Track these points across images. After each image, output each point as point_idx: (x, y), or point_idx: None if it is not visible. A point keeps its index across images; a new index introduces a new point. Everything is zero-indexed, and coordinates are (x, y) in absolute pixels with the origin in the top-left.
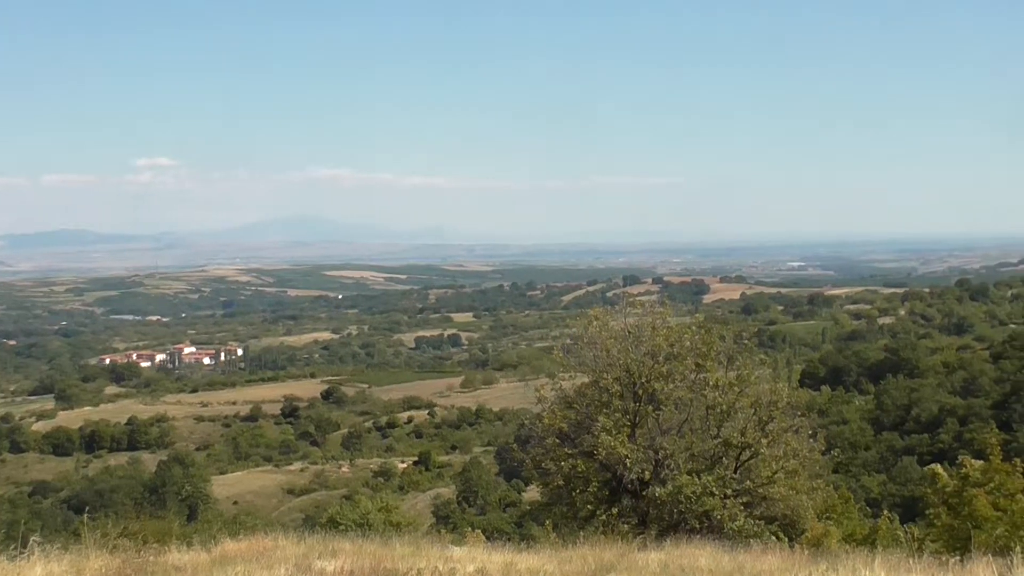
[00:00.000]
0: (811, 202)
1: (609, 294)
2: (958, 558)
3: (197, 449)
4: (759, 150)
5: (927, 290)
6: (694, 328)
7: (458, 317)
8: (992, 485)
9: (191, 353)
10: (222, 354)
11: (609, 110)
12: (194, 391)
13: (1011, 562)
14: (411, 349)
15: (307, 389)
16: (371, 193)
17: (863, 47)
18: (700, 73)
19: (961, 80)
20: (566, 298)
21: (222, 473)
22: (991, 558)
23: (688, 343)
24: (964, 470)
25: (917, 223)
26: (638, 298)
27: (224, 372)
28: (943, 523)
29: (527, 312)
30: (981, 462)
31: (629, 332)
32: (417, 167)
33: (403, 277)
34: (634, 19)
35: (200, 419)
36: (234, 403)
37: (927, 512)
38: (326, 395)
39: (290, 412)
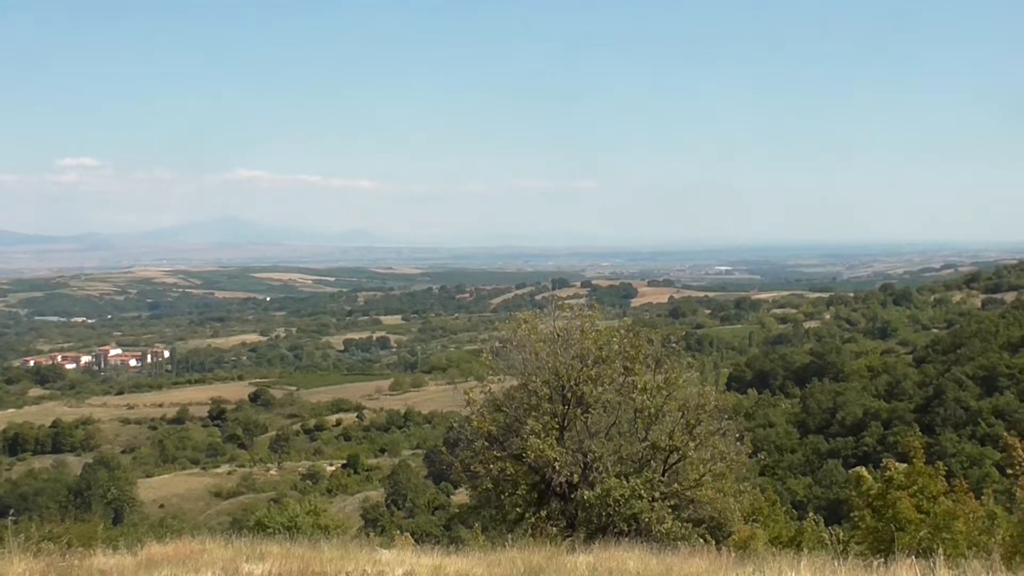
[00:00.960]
0: (738, 209)
1: (538, 297)
2: (882, 560)
3: (123, 452)
4: (685, 155)
5: (852, 295)
6: (622, 331)
7: (387, 320)
8: (915, 488)
9: (117, 355)
10: (149, 356)
11: (536, 112)
12: (120, 393)
13: (934, 564)
14: (340, 352)
15: (234, 392)
16: (297, 195)
17: (803, 45)
18: (625, 74)
19: (883, 82)
20: (495, 301)
21: (148, 476)
22: (914, 560)
23: (616, 346)
24: (888, 473)
25: (844, 230)
26: (567, 301)
27: (151, 374)
28: (867, 525)
29: (456, 315)
30: (905, 465)
31: (558, 335)
32: (342, 170)
33: (331, 279)
34: (559, 15)
35: (126, 422)
36: (161, 405)
37: (852, 515)
38: (254, 398)
39: (217, 415)
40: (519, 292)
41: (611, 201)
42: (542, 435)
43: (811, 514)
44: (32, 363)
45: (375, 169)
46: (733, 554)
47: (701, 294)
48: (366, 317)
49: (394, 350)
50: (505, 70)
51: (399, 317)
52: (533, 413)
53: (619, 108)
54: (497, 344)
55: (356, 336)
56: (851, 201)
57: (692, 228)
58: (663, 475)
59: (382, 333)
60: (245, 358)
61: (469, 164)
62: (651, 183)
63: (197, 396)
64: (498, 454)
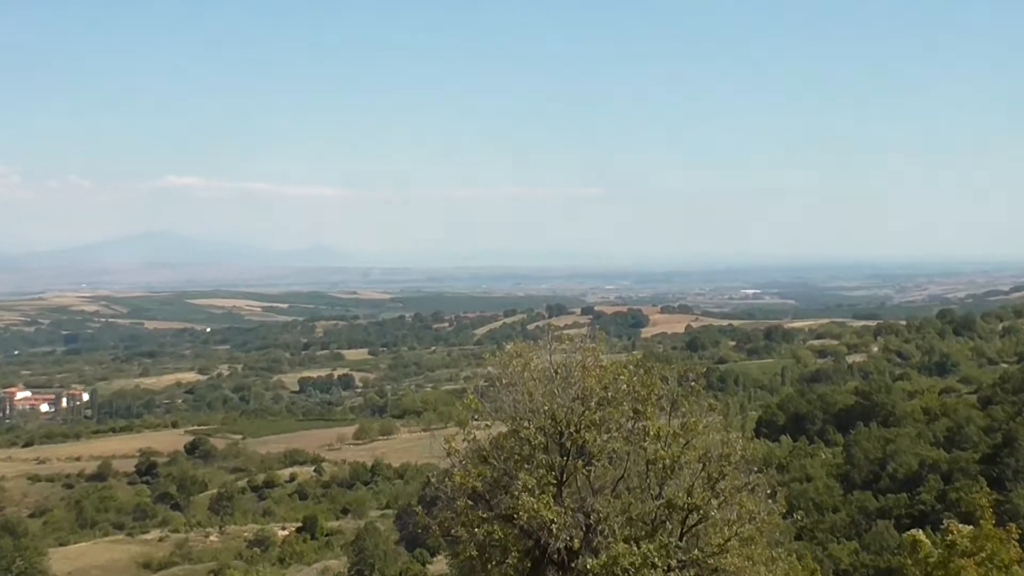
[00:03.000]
0: (767, 221)
1: (531, 327)
2: None
3: (32, 515)
4: (700, 159)
5: (903, 322)
6: (631, 367)
7: (351, 354)
8: (983, 555)
9: (25, 398)
10: (64, 400)
11: (532, 109)
12: (28, 445)
13: None
14: (294, 393)
15: (168, 441)
16: (244, 205)
17: (826, 52)
18: (636, 69)
19: (939, 85)
20: (479, 331)
21: (63, 544)
22: None
23: (624, 385)
24: (950, 536)
25: (891, 246)
26: (565, 331)
27: (66, 422)
28: None
29: (433, 348)
30: (969, 527)
31: (555, 372)
32: (299, 174)
33: (284, 306)
34: (529, 17)
35: (36, 479)
36: (78, 459)
37: None
38: (191, 448)
39: (147, 469)
40: (508, 321)
41: (619, 213)
42: (536, 492)
43: None
44: None
45: (338, 173)
46: None
47: (724, 322)
48: (326, 351)
49: (359, 390)
50: (495, 60)
51: (365, 351)
52: (526, 465)
53: (629, 106)
54: (483, 383)
55: (314, 374)
56: (901, 212)
57: (713, 244)
58: (681, 539)
59: (345, 370)
60: (180, 401)
61: (450, 168)
62: (666, 192)
63: (122, 447)
64: (484, 515)
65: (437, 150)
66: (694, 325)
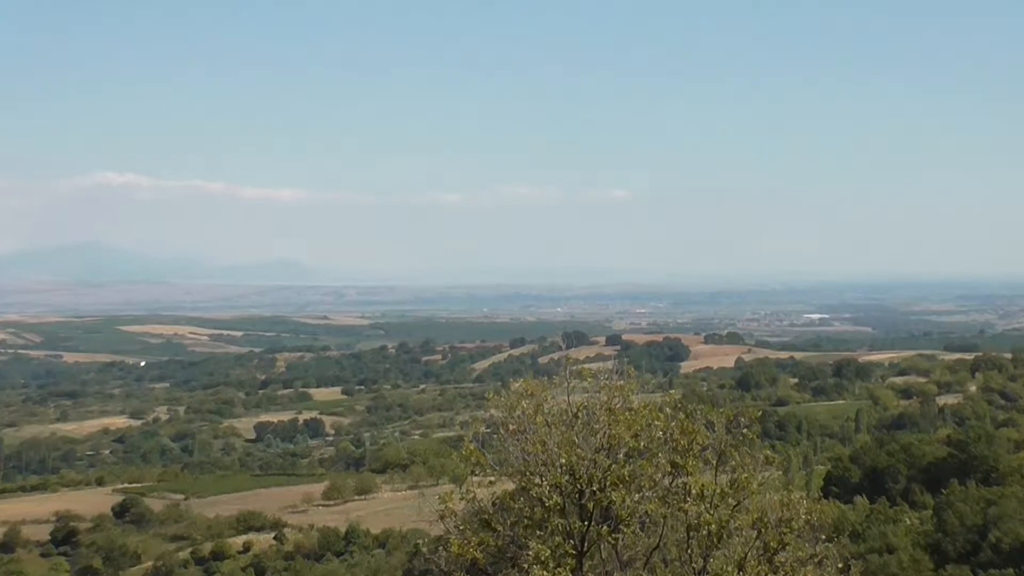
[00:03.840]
0: (835, 229)
1: (543, 360)
2: None
3: None
4: (754, 154)
5: (1009, 355)
6: (668, 411)
7: (320, 394)
8: None
9: None
10: None
11: (539, 94)
12: None
13: None
14: (249, 442)
15: (92, 502)
16: (191, 210)
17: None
18: (667, 46)
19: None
20: (480, 366)
21: None
22: None
23: (660, 433)
24: None
25: (990, 261)
26: (586, 366)
27: None
28: None
29: (422, 386)
30: None
31: (574, 416)
32: (261, 174)
33: (238, 334)
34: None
35: None
36: None
37: None
38: (120, 511)
39: (65, 538)
40: (516, 352)
41: (651, 219)
42: (551, 565)
43: None
44: None
45: (307, 173)
46: None
47: (784, 354)
48: (289, 390)
49: (330, 439)
50: (503, 39)
51: (338, 390)
52: (538, 532)
53: (663, 88)
54: (484, 429)
55: (274, 418)
56: (1002, 222)
57: (768, 258)
58: None
59: (313, 414)
60: (108, 452)
61: (443, 167)
62: (709, 194)
63: (35, 510)
64: None
65: (427, 146)
66: (746, 358)
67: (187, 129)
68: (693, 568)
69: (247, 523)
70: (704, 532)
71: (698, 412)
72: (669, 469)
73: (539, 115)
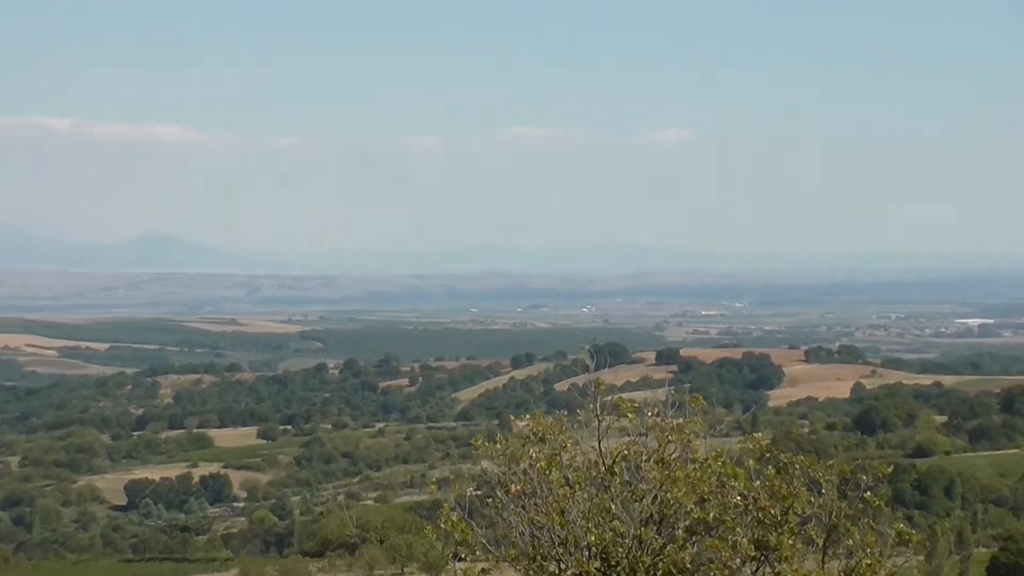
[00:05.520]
0: (997, 198)
1: (561, 386)
2: None
3: None
4: (875, 86)
5: None
6: (751, 463)
7: (226, 437)
8: None
9: None
10: None
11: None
12: None
13: None
14: (118, 510)
15: None
16: (18, 158)
17: None
18: None
19: None
20: (466, 395)
21: None
22: None
23: (739, 497)
24: None
25: None
26: (626, 395)
27: None
28: None
29: (379, 426)
30: None
31: (608, 471)
32: (127, 103)
33: (102, 347)
34: None
35: None
36: None
37: None
38: None
39: None
40: (520, 375)
41: (721, 174)
42: None
43: None
44: None
45: (198, 103)
46: None
47: (927, 379)
48: (179, 432)
49: (240, 505)
50: None
51: (252, 431)
52: None
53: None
54: (473, 491)
55: (156, 474)
56: None
57: (900, 236)
58: None
59: (214, 467)
60: None
61: (409, 101)
62: (807, 141)
63: None
64: None
65: (386, 66)
66: (868, 384)
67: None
68: None
69: None
70: None
71: (796, 466)
72: (753, 552)
73: (555, 25)
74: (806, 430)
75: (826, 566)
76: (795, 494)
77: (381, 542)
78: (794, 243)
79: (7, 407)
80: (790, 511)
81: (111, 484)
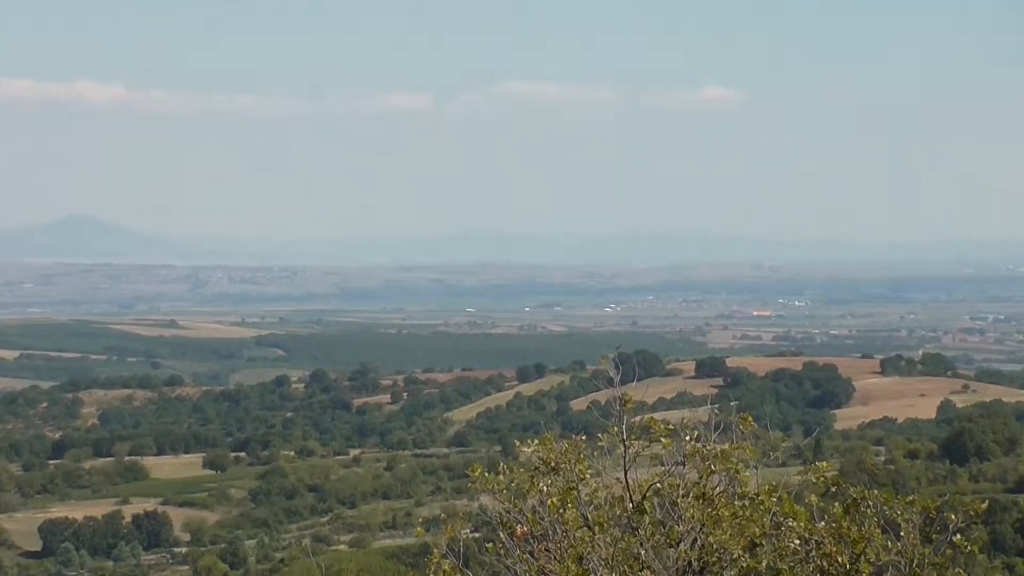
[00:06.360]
0: None
1: (578, 403)
2: None
3: None
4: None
5: None
6: (814, 500)
7: (165, 467)
8: None
9: None
10: None
11: None
12: None
13: None
14: (31, 556)
15: None
16: None
17: None
18: None
19: None
20: (461, 414)
21: None
22: None
23: (798, 541)
24: None
25: None
26: (659, 415)
27: None
28: None
29: (354, 452)
30: None
31: (638, 509)
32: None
33: (11, 356)
34: None
35: None
36: None
37: None
38: None
39: None
40: (527, 389)
41: (775, 142)
42: None
43: None
44: None
45: (126, 56)
46: None
47: None
48: (107, 460)
49: (182, 550)
50: None
51: (198, 459)
52: None
53: None
54: (469, 533)
55: (78, 513)
56: None
57: (995, 218)
58: None
59: (150, 503)
60: None
61: (395, 47)
62: (878, 104)
63: None
64: None
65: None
66: (959, 401)
67: None
68: None
69: None
70: None
71: (869, 503)
72: None
73: None
74: (882, 459)
75: None
76: (868, 537)
77: None
78: (867, 229)
79: None
80: (861, 558)
81: (22, 525)
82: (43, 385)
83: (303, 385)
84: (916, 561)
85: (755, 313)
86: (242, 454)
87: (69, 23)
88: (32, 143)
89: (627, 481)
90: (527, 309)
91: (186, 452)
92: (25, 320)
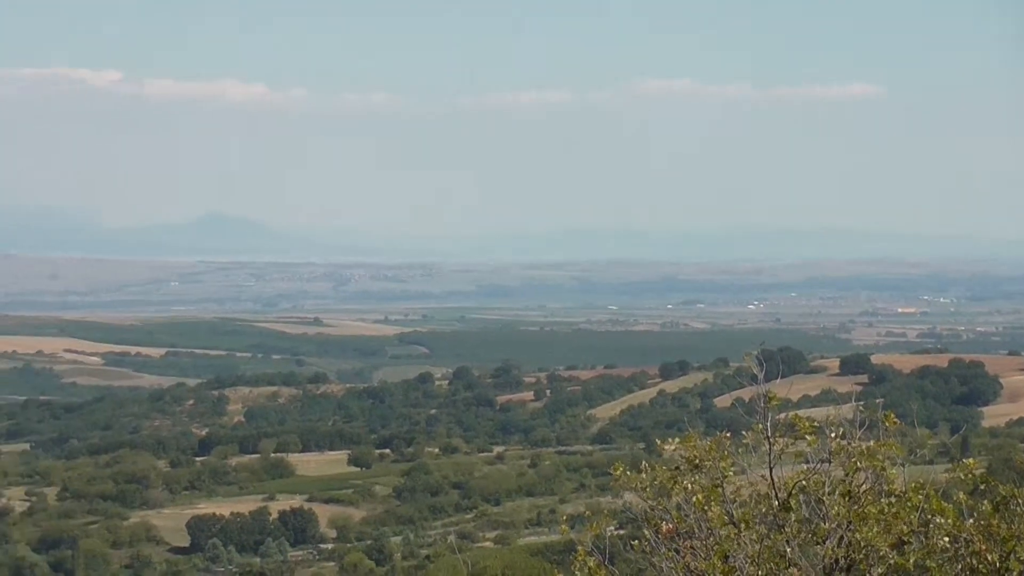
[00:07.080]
0: None
1: (722, 400)
2: None
3: None
4: None
5: None
6: (962, 497)
7: (310, 463)
8: None
9: None
10: None
11: None
12: None
13: None
14: (179, 552)
15: None
16: (41, 118)
17: None
18: None
19: None
20: (604, 411)
21: None
22: None
23: (947, 539)
24: None
25: None
26: (804, 412)
27: None
28: None
29: (497, 450)
30: None
31: (783, 507)
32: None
33: (157, 353)
34: None
35: None
36: None
37: None
38: None
39: None
40: (670, 386)
41: (918, 137)
42: None
43: None
44: None
45: (267, 58)
46: None
47: None
48: (252, 457)
49: (329, 547)
50: None
51: (343, 456)
52: None
53: None
54: (614, 530)
55: (224, 509)
56: None
57: None
58: None
59: (296, 500)
60: None
61: (515, 50)
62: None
63: None
64: None
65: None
66: None
67: None
68: None
69: None
70: None
71: (1019, 500)
72: None
73: None
74: None
75: None
76: (1018, 536)
77: None
78: (1015, 222)
79: (42, 426)
80: (1011, 556)
81: (170, 521)
82: (189, 382)
83: (446, 382)
84: None
85: (899, 310)
86: (386, 451)
87: (215, 25)
88: (171, 141)
89: (772, 479)
90: (669, 307)
91: (331, 449)
92: (171, 318)
